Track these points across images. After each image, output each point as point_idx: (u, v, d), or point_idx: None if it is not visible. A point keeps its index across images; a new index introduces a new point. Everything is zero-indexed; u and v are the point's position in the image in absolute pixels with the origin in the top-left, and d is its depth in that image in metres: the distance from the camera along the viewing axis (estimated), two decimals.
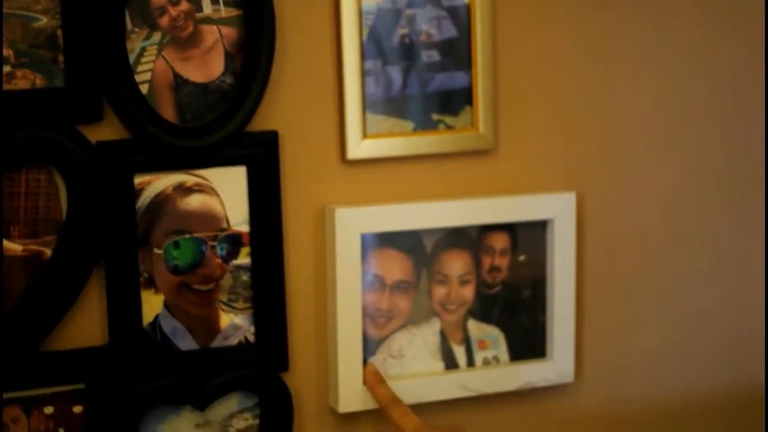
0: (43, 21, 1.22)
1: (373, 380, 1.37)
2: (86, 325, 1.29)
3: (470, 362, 1.43)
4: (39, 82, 1.23)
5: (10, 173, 1.23)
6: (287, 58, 1.31)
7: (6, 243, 1.24)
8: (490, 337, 1.44)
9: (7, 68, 1.22)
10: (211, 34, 1.28)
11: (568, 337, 1.46)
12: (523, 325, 1.45)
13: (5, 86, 1.22)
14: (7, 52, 1.21)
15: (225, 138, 1.28)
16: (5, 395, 1.26)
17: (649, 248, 1.51)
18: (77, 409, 1.29)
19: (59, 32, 1.22)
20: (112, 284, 1.28)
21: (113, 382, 1.29)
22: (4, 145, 1.21)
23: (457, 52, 1.37)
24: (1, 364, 1.23)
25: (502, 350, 1.45)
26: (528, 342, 1.46)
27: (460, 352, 1.43)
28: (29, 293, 1.25)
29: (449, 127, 1.38)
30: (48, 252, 1.25)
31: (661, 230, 1.51)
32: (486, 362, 1.44)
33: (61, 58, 1.23)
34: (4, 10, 1.20)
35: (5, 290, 1.24)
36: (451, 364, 1.43)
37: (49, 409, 1.28)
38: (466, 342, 1.43)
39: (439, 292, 1.41)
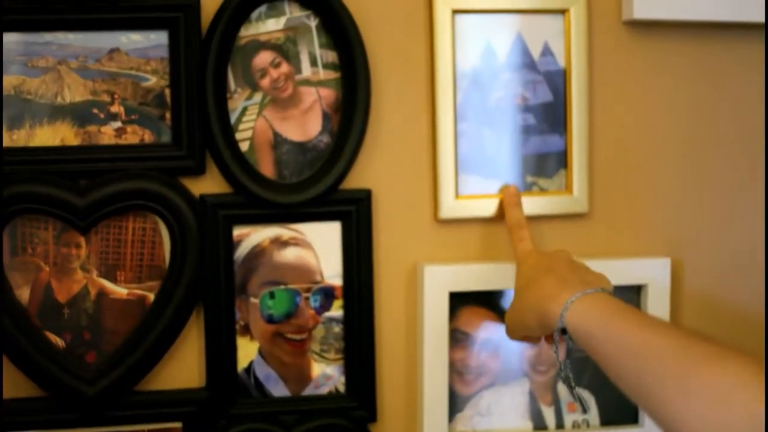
0: (152, 81, 1.31)
1: (510, 201, 1.37)
2: (184, 368, 1.36)
3: (559, 424, 1.44)
4: (147, 137, 1.32)
5: (118, 221, 1.32)
6: (382, 119, 1.36)
7: (112, 286, 1.33)
8: None
9: (118, 124, 1.32)
10: (309, 95, 1.35)
11: None
12: (615, 389, 1.45)
13: (116, 140, 1.32)
14: (118, 108, 1.31)
15: (320, 194, 1.34)
16: (108, 429, 1.34)
17: (746, 321, 1.49)
18: None
19: (167, 91, 1.32)
20: (210, 330, 1.35)
21: (209, 424, 1.36)
22: (113, 195, 1.30)
23: (552, 116, 1.40)
24: (103, 400, 1.32)
25: (593, 414, 1.45)
26: (620, 407, 1.45)
27: (549, 414, 1.44)
28: (132, 334, 1.33)
29: (543, 190, 1.40)
30: (151, 296, 1.33)
31: (759, 302, 1.49)
32: (576, 426, 1.45)
33: (168, 115, 1.32)
34: (117, 70, 1.30)
35: (109, 330, 1.33)
36: (539, 425, 1.44)
37: None
38: (556, 404, 1.44)
39: (530, 352, 1.43)
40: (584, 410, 1.42)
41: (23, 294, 1.31)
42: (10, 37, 1.29)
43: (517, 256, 1.30)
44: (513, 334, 1.25)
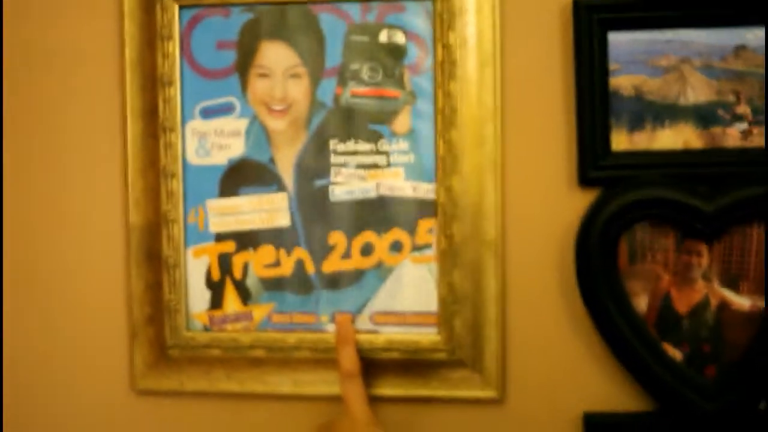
0: None
1: (343, 336, 1.26)
2: None
3: None
4: None
5: (742, 228, 1.25)
6: None
7: (735, 297, 1.26)
8: None
9: (744, 125, 1.24)
10: None
11: None
12: None
13: (742, 143, 1.24)
14: (745, 109, 1.24)
15: None
16: None
17: None
18: None
19: None
20: None
21: None
22: (740, 201, 1.23)
23: None
24: (722, 417, 1.25)
25: None
26: None
27: None
28: (754, 348, 1.26)
29: None
30: None
31: None
32: None
33: None
34: (743, 69, 1.23)
35: (730, 344, 1.26)
36: None
37: None
38: None
39: None
40: None
41: (641, 302, 1.26)
42: (632, 36, 1.24)
43: None
44: None
